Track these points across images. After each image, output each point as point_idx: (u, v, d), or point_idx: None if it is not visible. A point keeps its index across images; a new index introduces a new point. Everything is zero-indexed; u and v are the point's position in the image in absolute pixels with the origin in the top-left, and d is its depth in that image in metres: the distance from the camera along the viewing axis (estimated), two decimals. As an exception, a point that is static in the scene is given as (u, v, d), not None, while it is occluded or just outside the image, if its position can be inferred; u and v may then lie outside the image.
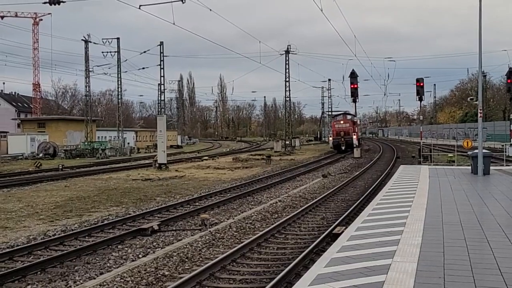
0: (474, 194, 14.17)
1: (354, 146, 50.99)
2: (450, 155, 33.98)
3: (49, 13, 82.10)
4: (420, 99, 34.04)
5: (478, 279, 6.09)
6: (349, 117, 61.09)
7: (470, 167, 21.29)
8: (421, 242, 8.03)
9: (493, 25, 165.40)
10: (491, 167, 20.76)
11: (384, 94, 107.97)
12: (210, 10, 32.29)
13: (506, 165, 25.98)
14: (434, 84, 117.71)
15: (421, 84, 32.93)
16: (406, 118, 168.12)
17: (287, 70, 68.35)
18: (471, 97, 41.48)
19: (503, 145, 37.32)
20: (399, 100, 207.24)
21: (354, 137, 53.34)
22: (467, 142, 29.50)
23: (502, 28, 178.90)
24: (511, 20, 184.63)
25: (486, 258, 7.08)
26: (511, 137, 34.63)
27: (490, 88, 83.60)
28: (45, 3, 27.53)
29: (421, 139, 39.13)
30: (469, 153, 22.38)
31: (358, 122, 67.95)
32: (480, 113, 21.34)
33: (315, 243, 11.08)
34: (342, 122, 57.74)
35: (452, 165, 27.29)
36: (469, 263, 6.81)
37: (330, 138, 59.72)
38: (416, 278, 6.14)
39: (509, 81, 32.10)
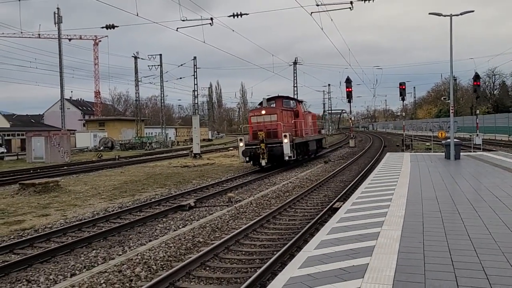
0: (447, 175, 14.00)
1: (287, 158, 22.50)
2: (427, 144, 33.60)
3: (106, 36, 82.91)
4: (403, 99, 33.69)
5: (451, 243, 6.03)
6: (282, 103, 26.86)
7: (444, 153, 21.05)
8: (405, 214, 7.97)
9: (462, 38, 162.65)
10: (461, 153, 20.50)
11: (374, 96, 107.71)
12: (233, 30, 32.22)
13: (473, 152, 25.61)
14: (414, 87, 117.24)
15: (403, 87, 32.59)
16: (392, 114, 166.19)
17: (295, 78, 68.12)
18: (444, 97, 40.85)
19: (470, 135, 36.76)
20: (386, 100, 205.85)
21: (286, 141, 22.31)
22: (441, 133, 29.15)
23: (469, 41, 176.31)
24: (476, 34, 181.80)
25: (457, 227, 7.00)
26: (477, 129, 34.06)
27: (459, 90, 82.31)
28: (103, 27, 27.71)
29: (403, 131, 38.73)
30: (443, 142, 22.17)
31: (308, 111, 31.81)
32: (452, 109, 21.18)
33: (319, 215, 11.06)
34: (264, 113, 23.94)
35: (429, 152, 26.98)
36: (444, 230, 6.75)
37: (241, 144, 23.69)
38: (401, 243, 6.10)
39: (475, 83, 31.49)
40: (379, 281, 4.69)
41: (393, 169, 15.94)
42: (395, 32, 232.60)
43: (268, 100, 26.94)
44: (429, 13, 19.76)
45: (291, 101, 27.78)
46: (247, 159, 22.84)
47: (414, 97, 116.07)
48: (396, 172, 14.98)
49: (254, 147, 22.62)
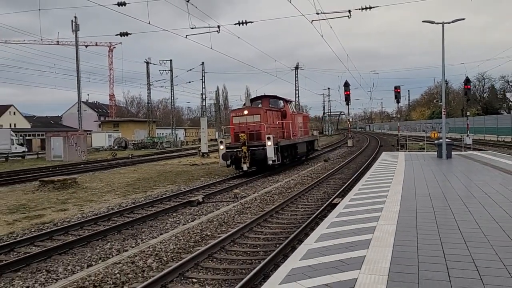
0: (440, 173, 13.95)
1: (271, 162, 19.47)
2: (421, 143, 33.47)
3: (120, 42, 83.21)
4: (398, 102, 33.67)
5: (443, 236, 6.01)
6: (269, 103, 23.46)
7: (436, 153, 20.97)
8: (399, 209, 7.95)
9: (454, 44, 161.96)
10: (452, 152, 20.43)
11: (370, 98, 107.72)
12: (239, 37, 32.18)
13: (464, 151, 25.49)
14: (408, 90, 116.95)
15: (398, 90, 32.51)
16: (387, 116, 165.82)
17: (297, 82, 68.15)
18: (437, 100, 40.70)
19: (461, 136, 36.60)
20: (382, 102, 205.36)
21: (270, 143, 19.30)
22: (434, 134, 29.04)
23: (460, 46, 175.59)
24: (467, 40, 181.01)
25: (449, 221, 6.98)
26: (468, 130, 33.89)
27: (451, 93, 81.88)
28: (117, 35, 27.82)
29: (398, 132, 38.60)
30: (435, 142, 22.07)
31: (298, 112, 30.16)
32: (444, 111, 21.09)
33: (319, 210, 11.04)
34: (246, 113, 20.59)
35: (423, 151, 26.88)
36: (436, 225, 6.72)
37: (221, 147, 20.38)
38: (396, 236, 6.08)
39: (466, 87, 31.33)
40: (376, 272, 4.68)
41: (388, 168, 15.89)
42: (391, 38, 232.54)
43: (254, 99, 24.07)
44: (423, 21, 19.72)
45: (279, 101, 24.14)
46: (228, 162, 20.01)
47: (409, 99, 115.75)
48: (391, 170, 14.93)
49: (235, 150, 19.66)
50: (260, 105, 22.53)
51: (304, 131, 27.43)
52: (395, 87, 32.52)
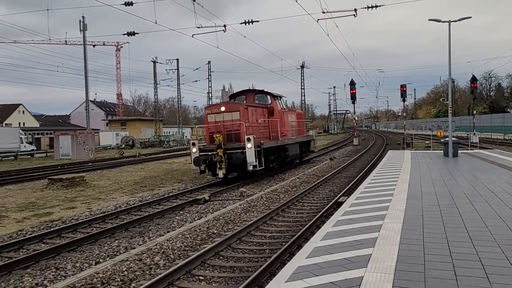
0: (446, 171, 13.88)
1: (251, 168, 16.36)
2: (427, 142, 33.28)
3: (127, 42, 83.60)
4: (404, 100, 33.42)
5: (450, 235, 5.98)
6: (254, 98, 20.85)
7: (442, 151, 20.87)
8: (405, 208, 7.92)
9: (460, 42, 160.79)
10: (459, 151, 20.31)
11: (376, 97, 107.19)
12: (245, 36, 32.27)
13: (471, 149, 25.33)
14: (414, 89, 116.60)
15: (404, 88, 32.32)
16: (393, 114, 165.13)
17: (302, 80, 68.05)
18: (443, 98, 40.50)
19: (468, 134, 36.39)
20: (388, 101, 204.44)
21: (250, 145, 16.18)
22: (440, 132, 28.86)
23: (466, 45, 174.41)
24: (473, 39, 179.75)
25: (455, 220, 6.94)
26: (474, 128, 33.69)
27: (457, 91, 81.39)
28: (124, 34, 27.90)
29: (404, 131, 38.45)
30: (442, 140, 21.95)
31: (289, 108, 24.87)
32: (450, 110, 20.97)
33: (324, 209, 11.02)
34: (223, 110, 17.40)
35: (429, 150, 26.75)
36: (442, 223, 6.69)
37: (193, 150, 17.28)
38: (402, 235, 6.06)
39: (472, 85, 31.14)
40: (382, 270, 4.67)
41: (394, 166, 15.83)
42: (397, 37, 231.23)
43: (237, 94, 21.24)
44: (429, 20, 19.60)
45: (267, 96, 20.97)
46: (202, 168, 17.17)
47: (415, 98, 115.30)
48: (397, 168, 14.88)
49: (210, 153, 16.73)
50: (244, 101, 19.86)
51: (298, 131, 24.39)
52: (401, 86, 32.35)
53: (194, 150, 17.27)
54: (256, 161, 16.31)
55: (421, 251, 5.30)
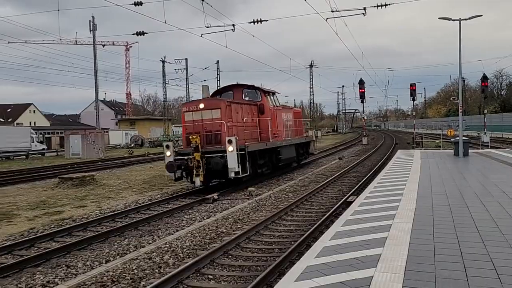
0: (456, 171, 13.76)
1: (233, 175, 14.24)
2: (437, 141, 33.04)
3: (136, 42, 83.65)
4: (413, 99, 33.20)
5: (460, 235, 5.94)
6: (243, 94, 18.65)
7: (453, 151, 20.70)
8: (415, 208, 7.87)
9: (470, 40, 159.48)
10: (469, 150, 20.13)
11: (385, 96, 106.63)
12: (253, 36, 32.27)
13: (481, 149, 25.10)
14: (424, 88, 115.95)
15: (414, 87, 32.12)
16: (402, 113, 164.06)
17: (311, 80, 67.94)
18: (453, 97, 40.17)
19: (478, 133, 36.06)
20: (397, 100, 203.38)
21: (232, 148, 13.97)
22: (450, 131, 28.66)
23: (477, 43, 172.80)
24: (484, 37, 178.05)
25: (466, 219, 6.88)
26: (485, 127, 33.37)
27: (468, 90, 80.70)
28: (134, 34, 28.00)
29: (414, 130, 38.19)
30: (452, 139, 21.78)
31: (283, 106, 21.62)
32: (461, 109, 20.78)
33: (333, 208, 10.98)
34: (202, 107, 15.02)
35: (439, 149, 26.56)
36: (453, 223, 6.64)
37: (168, 153, 14.96)
38: (412, 235, 6.03)
39: (483, 84, 30.89)
40: (391, 270, 4.64)
41: (404, 166, 15.74)
42: (407, 35, 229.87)
43: (223, 90, 18.98)
44: (439, 18, 19.43)
45: (257, 92, 18.57)
46: (178, 174, 14.83)
47: (424, 97, 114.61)
48: (407, 168, 14.79)
49: (187, 157, 14.52)
50: (231, 97, 17.77)
51: (295, 131, 22.17)
52: (411, 85, 32.17)
53: (168, 153, 15.01)
54: (238, 167, 14.19)
55: (431, 251, 5.27)
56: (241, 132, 15.73)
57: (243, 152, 14.62)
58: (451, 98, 45.91)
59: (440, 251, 5.25)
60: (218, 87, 62.07)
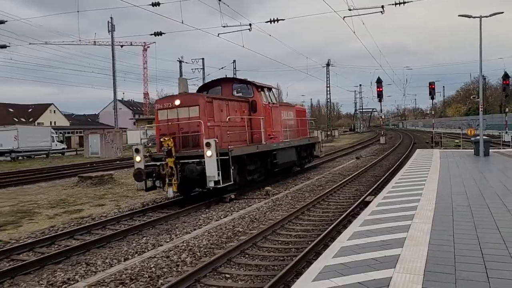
0: (477, 171, 13.52)
1: (212, 185, 11.95)
2: (456, 141, 32.49)
3: (154, 42, 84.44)
4: (432, 98, 32.78)
5: (481, 236, 5.84)
6: (232, 89, 16.27)
7: (473, 150, 20.34)
8: (435, 208, 7.76)
9: (491, 38, 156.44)
10: (490, 150, 19.76)
11: (403, 95, 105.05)
12: (270, 35, 32.23)
13: (502, 148, 24.61)
14: (443, 86, 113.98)
15: (433, 86, 31.64)
16: (421, 112, 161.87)
17: (328, 78, 67.59)
18: (474, 96, 39.44)
19: (499, 133, 35.36)
20: (415, 99, 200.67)
21: (210, 153, 11.86)
22: (471, 131, 28.19)
23: (498, 41, 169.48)
24: (505, 34, 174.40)
25: (486, 220, 6.76)
26: (506, 126, 32.69)
27: (488, 88, 79.12)
28: (151, 34, 28.26)
29: (433, 129, 37.64)
30: (472, 139, 21.40)
31: (281, 103, 19.26)
32: (481, 107, 20.43)
33: (351, 208, 10.90)
34: (177, 104, 12.83)
35: (458, 149, 26.12)
36: (473, 224, 6.53)
37: (137, 159, 12.79)
38: (431, 235, 5.95)
39: (504, 82, 30.20)
40: (410, 271, 4.59)
41: (422, 165, 15.53)
42: (425, 33, 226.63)
43: (210, 85, 16.62)
44: (459, 15, 19.12)
45: (248, 87, 16.24)
46: (150, 183, 12.89)
47: (443, 96, 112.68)
48: (425, 168, 14.59)
49: (159, 163, 12.55)
50: (220, 93, 15.71)
51: (296, 131, 19.70)
52: (430, 83, 31.69)
53: (137, 158, 12.88)
54: (219, 175, 11.99)
55: (451, 252, 5.19)
56: (225, 133, 13.56)
57: (226, 157, 12.43)
58: (471, 97, 45.15)
59: (460, 252, 5.17)
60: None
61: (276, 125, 16.88)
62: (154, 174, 12.56)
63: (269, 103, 16.62)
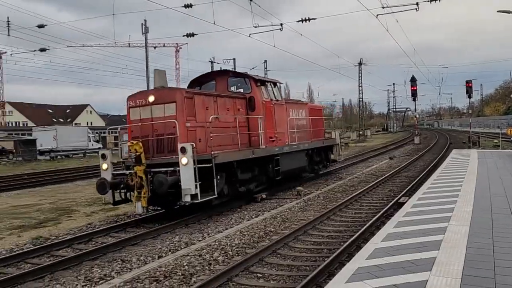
0: (517, 172, 13.00)
1: (188, 199, 9.52)
2: (495, 141, 31.37)
3: (186, 43, 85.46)
4: (469, 97, 31.74)
5: (522, 240, 5.61)
6: (228, 84, 13.73)
7: (513, 150, 19.59)
8: (472, 210, 7.52)
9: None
10: (531, 150, 18.98)
11: (439, 94, 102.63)
12: (301, 35, 32.04)
13: (545, 148, 23.59)
14: (481, 84, 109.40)
15: (470, 84, 30.74)
16: (457, 112, 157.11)
17: (360, 77, 66.76)
18: (513, 94, 37.99)
19: (542, 132, 33.86)
20: (451, 98, 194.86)
21: (186, 160, 9.43)
22: (510, 130, 27.15)
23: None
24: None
25: (529, 224, 6.49)
26: (549, 126, 31.33)
27: (530, 86, 76.17)
28: (183, 35, 28.66)
29: (470, 128, 36.52)
30: (512, 139, 20.61)
31: (287, 100, 16.33)
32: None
33: (384, 209, 10.71)
34: (151, 101, 10.43)
35: (497, 149, 25.21)
36: (514, 227, 6.28)
37: (104, 166, 10.64)
38: (469, 238, 5.77)
39: (547, 79, 29.06)
40: (448, 274, 4.47)
41: (459, 166, 15.08)
42: (462, 30, 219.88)
43: (203, 80, 14.26)
44: (498, 11, 18.51)
45: (246, 81, 13.90)
46: (119, 196, 10.84)
47: (481, 94, 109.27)
48: (462, 168, 14.15)
49: (128, 172, 10.52)
50: (214, 89, 13.53)
51: (308, 133, 17.19)
52: (467, 82, 30.80)
53: (104, 166, 10.92)
54: (196, 188, 9.72)
55: (490, 255, 5.02)
56: (209, 135, 10.95)
57: (209, 164, 10.22)
58: (511, 95, 43.48)
59: (500, 256, 4.99)
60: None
61: (280, 125, 14.56)
62: (122, 185, 10.40)
63: (271, 99, 14.25)
